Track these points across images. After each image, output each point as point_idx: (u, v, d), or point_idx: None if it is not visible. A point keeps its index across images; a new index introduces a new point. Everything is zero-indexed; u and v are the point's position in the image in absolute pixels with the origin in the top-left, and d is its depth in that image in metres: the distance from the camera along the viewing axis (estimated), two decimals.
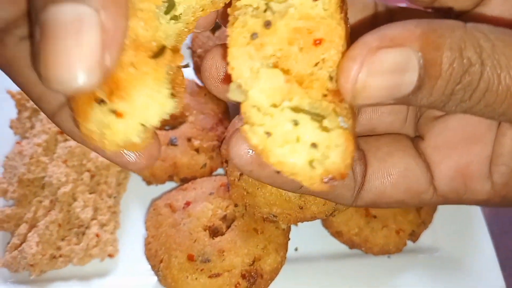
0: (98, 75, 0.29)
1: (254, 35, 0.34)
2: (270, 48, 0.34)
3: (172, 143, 0.81)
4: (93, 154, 0.80)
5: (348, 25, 0.35)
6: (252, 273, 0.66)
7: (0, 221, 0.77)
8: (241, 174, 0.65)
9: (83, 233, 0.76)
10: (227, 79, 0.36)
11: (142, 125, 0.34)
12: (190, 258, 0.66)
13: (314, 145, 0.33)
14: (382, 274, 0.78)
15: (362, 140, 0.46)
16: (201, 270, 0.66)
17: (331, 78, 0.33)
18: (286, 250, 0.71)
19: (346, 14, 0.34)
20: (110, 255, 0.76)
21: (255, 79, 0.34)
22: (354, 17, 0.44)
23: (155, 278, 0.74)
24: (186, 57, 0.97)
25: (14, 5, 0.35)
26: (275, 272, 0.69)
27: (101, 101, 0.32)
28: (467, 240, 0.82)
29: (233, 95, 0.34)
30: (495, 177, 0.42)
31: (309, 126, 0.33)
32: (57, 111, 0.37)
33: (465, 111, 0.35)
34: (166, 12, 0.36)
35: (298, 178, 0.34)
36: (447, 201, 0.44)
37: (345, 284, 0.76)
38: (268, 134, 0.34)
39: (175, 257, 0.67)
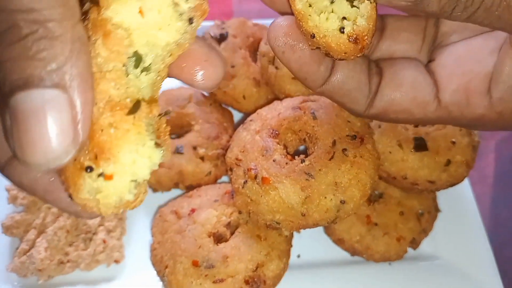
0: (73, 150, 0.30)
1: (245, 182, 0.39)
2: None
3: (178, 151, 0.83)
4: None
5: None
6: (255, 279, 0.67)
7: (9, 226, 0.78)
8: (245, 182, 0.67)
9: (90, 239, 0.78)
10: None
11: (134, 181, 0.35)
12: (195, 264, 0.68)
13: (344, 18, 0.43)
14: (383, 281, 0.79)
15: (380, 60, 0.53)
16: (206, 275, 0.67)
17: None
18: (289, 257, 0.72)
19: None
20: (116, 261, 0.78)
21: None
22: None
23: (161, 283, 0.75)
24: None
25: None
26: (277, 278, 0.70)
27: (88, 169, 0.33)
28: (467, 248, 0.83)
29: None
30: (493, 92, 0.46)
31: (343, 4, 0.43)
32: (5, 165, 0.37)
33: (470, 17, 0.40)
34: (136, 66, 0.36)
35: (329, 40, 0.43)
36: (450, 115, 0.49)
37: None
38: (310, 4, 0.43)
39: (180, 262, 0.69)
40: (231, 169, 0.71)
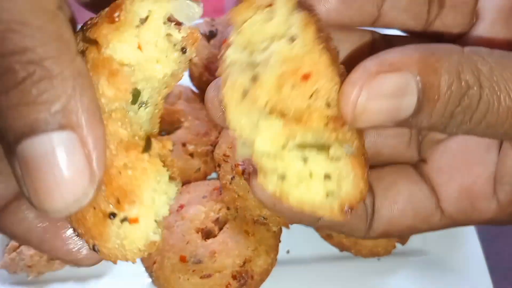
0: (92, 190, 0.29)
1: (244, 92, 0.35)
2: (263, 99, 0.34)
3: None
4: None
5: (335, 48, 0.36)
6: (243, 274, 0.68)
7: None
8: (232, 178, 0.68)
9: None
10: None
11: (156, 220, 0.34)
12: (182, 259, 0.68)
13: (327, 177, 0.35)
14: (371, 276, 0.79)
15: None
16: (193, 271, 0.68)
17: (328, 104, 0.34)
18: (277, 252, 0.73)
19: (328, 40, 0.35)
20: None
21: (256, 132, 0.35)
22: (352, 44, 0.46)
23: (149, 279, 0.76)
24: None
25: None
26: (265, 273, 0.71)
27: (112, 215, 0.32)
28: (456, 243, 0.84)
29: (241, 152, 0.36)
30: (500, 195, 0.43)
31: (318, 159, 0.34)
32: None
33: (468, 132, 0.36)
34: (133, 102, 0.35)
35: (320, 212, 0.35)
36: (456, 222, 0.45)
37: (335, 286, 0.78)
38: (282, 177, 0.35)
39: (167, 258, 0.69)
40: (219, 165, 0.71)
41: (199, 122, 0.87)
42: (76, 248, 0.35)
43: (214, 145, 0.85)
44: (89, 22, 0.34)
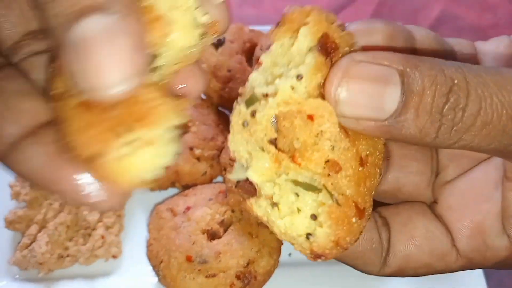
0: (139, 75, 0.29)
1: (245, 123, 0.37)
2: (260, 133, 0.36)
3: None
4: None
5: None
6: (247, 274, 0.70)
7: (12, 221, 0.82)
8: (238, 181, 0.70)
9: (89, 235, 0.81)
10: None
11: (160, 160, 0.33)
12: (189, 259, 0.71)
13: (313, 217, 0.35)
14: (372, 280, 0.81)
15: (382, 208, 0.48)
16: (199, 270, 0.70)
17: (333, 148, 0.34)
18: (279, 254, 0.75)
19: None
20: (114, 256, 0.81)
21: (251, 160, 0.37)
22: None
23: (156, 278, 0.78)
24: None
25: None
26: (268, 274, 0.73)
27: (123, 130, 0.31)
28: None
29: (236, 175, 0.38)
30: (509, 231, 0.42)
31: (308, 198, 0.35)
32: (6, 153, 0.35)
33: (467, 142, 0.34)
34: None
35: (297, 247, 0.36)
36: (472, 262, 0.44)
37: None
38: (275, 204, 0.36)
39: (174, 258, 0.71)
40: (225, 169, 0.74)
41: (206, 127, 0.90)
42: (84, 186, 0.34)
43: (220, 149, 0.88)
44: None
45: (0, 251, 0.82)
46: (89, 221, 0.80)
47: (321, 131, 0.34)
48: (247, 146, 0.37)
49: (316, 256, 0.35)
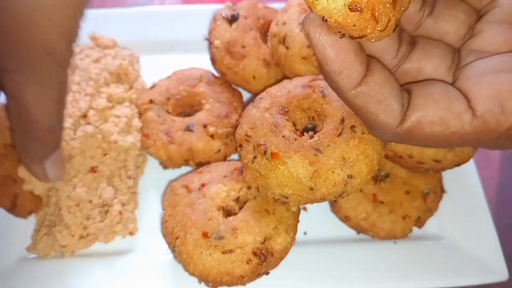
0: None
1: (254, 158, 0.58)
2: None
3: (188, 129, 0.85)
4: (112, 137, 0.84)
5: None
6: (263, 251, 0.69)
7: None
8: (254, 157, 0.69)
9: (106, 212, 0.80)
10: None
11: None
12: (205, 235, 0.70)
13: None
14: (388, 259, 0.80)
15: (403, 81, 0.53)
16: (215, 246, 0.69)
17: None
18: (296, 232, 0.74)
19: None
20: (131, 233, 0.80)
21: None
22: None
23: (171, 255, 0.78)
24: (203, 49, 1.01)
25: None
26: (284, 251, 0.72)
27: None
28: (472, 230, 0.84)
29: None
30: None
31: None
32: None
33: None
34: None
35: (336, 17, 0.43)
36: (486, 126, 0.46)
37: (352, 268, 0.79)
38: None
39: (190, 234, 0.71)
40: (240, 145, 0.72)
41: (219, 104, 0.88)
42: None
43: (234, 127, 0.86)
44: None
45: (11, 229, 0.81)
46: (105, 198, 0.79)
47: None
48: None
49: (355, 8, 0.42)
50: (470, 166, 0.90)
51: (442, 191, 0.84)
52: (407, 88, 0.50)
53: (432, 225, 0.84)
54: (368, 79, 0.46)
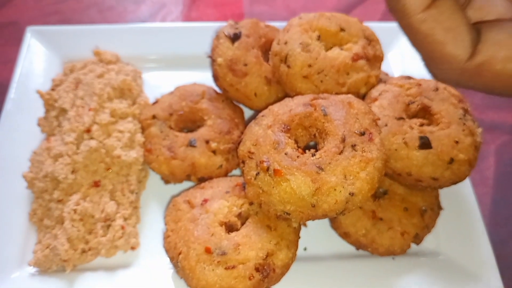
0: None
1: (257, 174, 0.61)
2: None
3: (191, 144, 0.86)
4: (116, 152, 0.85)
5: None
6: (265, 267, 0.70)
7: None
8: (257, 174, 0.70)
9: (108, 226, 0.80)
10: None
11: None
12: (208, 250, 0.71)
13: None
14: (387, 275, 0.81)
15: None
16: (218, 262, 0.70)
17: None
18: (297, 247, 0.75)
19: None
20: (133, 248, 0.80)
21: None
22: None
23: (172, 270, 0.78)
24: (205, 65, 1.03)
25: None
26: (286, 267, 0.73)
27: None
28: (468, 245, 0.86)
29: None
30: None
31: None
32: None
33: None
34: None
35: None
36: None
37: (352, 283, 0.80)
38: None
39: (193, 249, 0.71)
40: (243, 162, 0.73)
41: (221, 120, 0.90)
42: None
43: (236, 143, 0.88)
44: None
45: (12, 241, 0.81)
46: (108, 212, 0.80)
47: None
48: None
49: None
50: (465, 183, 0.92)
51: (439, 208, 0.86)
52: (475, 27, 0.45)
53: (429, 241, 0.85)
54: (439, 2, 0.41)
